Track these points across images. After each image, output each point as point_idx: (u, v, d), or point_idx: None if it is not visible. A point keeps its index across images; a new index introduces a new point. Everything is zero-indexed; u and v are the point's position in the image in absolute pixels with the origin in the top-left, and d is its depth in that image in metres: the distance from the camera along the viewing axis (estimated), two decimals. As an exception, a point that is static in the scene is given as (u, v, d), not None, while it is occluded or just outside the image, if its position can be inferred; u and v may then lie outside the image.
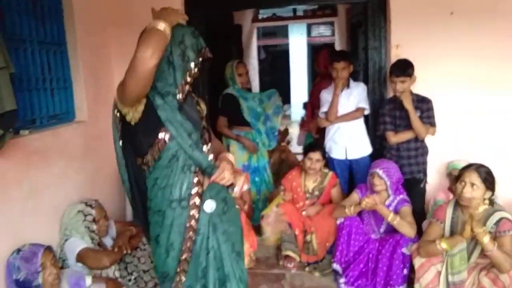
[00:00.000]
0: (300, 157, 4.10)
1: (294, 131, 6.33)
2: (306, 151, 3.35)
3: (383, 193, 2.88)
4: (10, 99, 1.97)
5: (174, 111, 1.64)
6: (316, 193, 3.31)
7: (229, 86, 3.69)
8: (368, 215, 3.00)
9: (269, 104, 3.76)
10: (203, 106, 1.83)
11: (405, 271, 2.70)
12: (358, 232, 2.93)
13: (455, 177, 2.58)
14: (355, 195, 3.04)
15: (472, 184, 2.34)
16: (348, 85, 3.36)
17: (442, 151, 3.25)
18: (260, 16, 7.97)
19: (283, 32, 11.56)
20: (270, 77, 12.53)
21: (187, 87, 1.67)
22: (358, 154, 3.38)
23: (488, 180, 2.37)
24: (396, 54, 3.25)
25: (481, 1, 3.14)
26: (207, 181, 1.73)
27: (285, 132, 4.98)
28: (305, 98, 8.72)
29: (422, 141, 3.13)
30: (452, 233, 2.42)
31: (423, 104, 3.06)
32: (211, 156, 1.73)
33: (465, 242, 2.29)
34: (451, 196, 2.92)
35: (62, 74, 2.93)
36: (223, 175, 1.69)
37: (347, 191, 3.35)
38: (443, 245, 2.32)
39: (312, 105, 4.36)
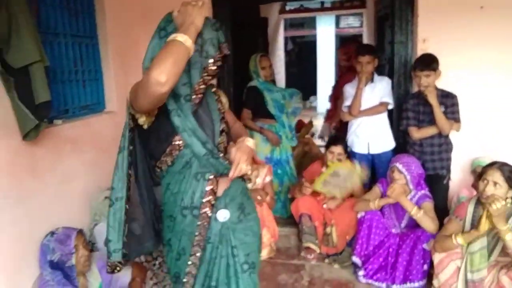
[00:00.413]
0: (323, 150, 4.12)
1: (320, 123, 6.32)
2: (328, 145, 3.37)
3: (405, 187, 2.89)
4: (45, 91, 2.09)
5: (187, 117, 1.50)
6: (338, 186, 3.34)
7: (253, 79, 3.74)
8: (389, 210, 3.01)
9: (290, 102, 3.80)
10: (224, 100, 1.76)
11: (425, 267, 2.71)
12: (379, 227, 2.94)
13: (478, 174, 2.56)
14: (377, 189, 3.06)
15: (495, 183, 2.32)
16: (372, 79, 3.34)
17: (466, 148, 3.21)
18: (287, 8, 7.94)
19: (311, 23, 11.47)
20: (297, 68, 12.50)
21: (202, 88, 1.52)
22: (380, 149, 3.38)
23: (511, 179, 2.35)
24: (422, 48, 3.21)
25: (513, -6, 3.06)
26: (222, 184, 1.63)
27: (310, 125, 4.99)
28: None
29: (447, 137, 3.09)
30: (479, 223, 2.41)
31: (448, 99, 3.02)
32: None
33: (484, 237, 2.28)
34: (474, 193, 2.89)
35: (93, 66, 3.05)
36: (240, 168, 1.55)
37: (368, 186, 3.36)
38: (459, 240, 2.32)
39: (335, 98, 4.37)
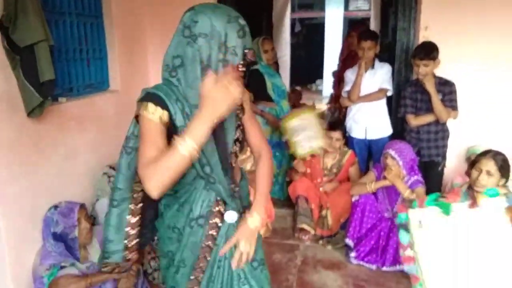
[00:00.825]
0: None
1: (324, 107, 6.36)
2: (326, 130, 3.43)
3: (401, 171, 2.95)
4: (49, 70, 2.16)
5: None
6: (334, 170, 3.41)
7: (257, 61, 3.78)
8: (382, 194, 3.08)
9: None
10: (246, 98, 1.50)
11: (414, 250, 2.80)
12: (372, 210, 3.03)
13: (471, 162, 2.61)
14: (372, 174, 3.13)
15: (488, 172, 2.38)
16: (373, 66, 3.37)
17: (463, 136, 3.25)
18: (294, -12, 7.90)
19: (320, 5, 11.34)
20: (304, 51, 12.43)
21: None
22: (377, 135, 3.43)
23: (504, 168, 2.40)
24: (424, 35, 3.23)
25: (516, -17, 3.05)
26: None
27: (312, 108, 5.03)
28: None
29: (443, 124, 3.12)
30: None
31: (446, 87, 3.05)
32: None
33: None
34: (468, 180, 2.94)
35: (98, 45, 3.10)
36: (239, 253, 1.44)
37: (364, 170, 3.43)
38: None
39: (338, 82, 4.41)
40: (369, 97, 3.37)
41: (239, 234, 1.45)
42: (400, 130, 3.40)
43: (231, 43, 1.25)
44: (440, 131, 3.13)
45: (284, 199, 3.76)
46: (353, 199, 3.09)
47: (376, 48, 3.33)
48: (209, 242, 1.45)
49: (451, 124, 3.16)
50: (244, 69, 1.30)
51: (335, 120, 4.13)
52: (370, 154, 3.55)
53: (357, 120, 3.46)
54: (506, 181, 2.45)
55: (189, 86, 1.30)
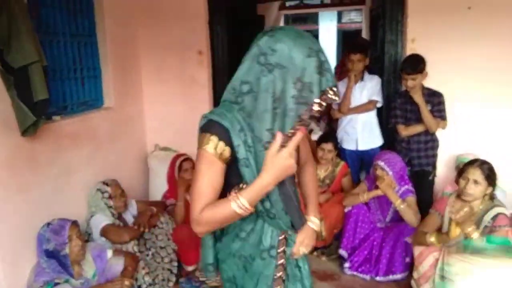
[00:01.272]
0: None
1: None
2: (319, 142, 3.48)
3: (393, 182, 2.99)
4: (43, 89, 2.21)
5: (257, 169, 1.24)
6: (327, 181, 3.45)
7: None
8: (374, 205, 3.12)
9: None
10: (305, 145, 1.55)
11: (407, 259, 2.83)
12: (365, 221, 3.06)
13: (458, 171, 2.65)
14: (364, 185, 3.17)
15: (475, 181, 2.42)
16: (362, 78, 3.43)
17: (451, 145, 3.30)
18: (287, 4, 8.00)
19: (314, 18, 11.52)
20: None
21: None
22: (368, 146, 3.48)
23: (491, 177, 2.45)
24: (411, 48, 3.30)
25: (499, -4, 3.13)
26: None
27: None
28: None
29: (433, 134, 3.18)
30: (450, 225, 2.52)
31: (434, 98, 3.11)
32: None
33: (460, 235, 2.38)
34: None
35: (92, 63, 3.17)
36: (302, 251, 1.49)
37: (357, 181, 3.47)
38: (432, 239, 2.45)
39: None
40: (359, 109, 3.43)
41: (302, 235, 1.48)
42: (390, 141, 3.44)
43: (307, 79, 1.15)
44: (429, 141, 3.19)
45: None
46: (346, 210, 3.12)
47: (365, 61, 3.39)
48: (281, 273, 1.44)
49: (440, 133, 3.22)
50: (320, 109, 1.19)
51: (328, 131, 4.18)
52: (361, 165, 3.59)
53: (348, 132, 3.51)
54: (493, 190, 2.49)
55: (256, 117, 1.21)
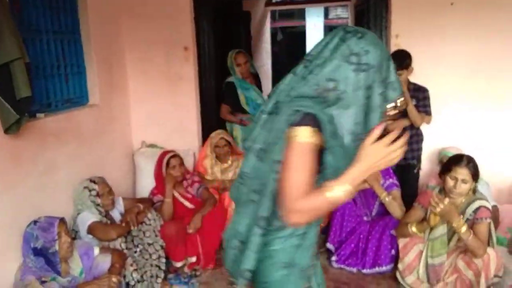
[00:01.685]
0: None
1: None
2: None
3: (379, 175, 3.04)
4: (25, 87, 2.19)
5: (344, 159, 1.27)
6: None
7: (232, 75, 3.85)
8: (360, 199, 3.16)
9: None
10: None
11: (393, 252, 2.87)
12: (351, 214, 3.10)
13: (443, 166, 2.67)
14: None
15: (463, 180, 2.44)
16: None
17: (435, 139, 3.36)
18: (273, 0, 8.02)
19: (301, 14, 11.54)
20: (287, 59, 12.57)
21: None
22: (354, 140, 3.50)
23: (476, 174, 2.48)
24: (395, 43, 3.35)
25: (481, -9, 3.19)
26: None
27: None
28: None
29: (418, 128, 3.23)
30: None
31: (419, 93, 3.15)
32: None
33: (445, 225, 2.42)
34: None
35: (76, 61, 3.14)
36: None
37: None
38: (413, 228, 2.49)
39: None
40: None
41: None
42: (376, 135, 3.47)
43: (391, 79, 1.30)
44: (414, 135, 3.23)
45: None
46: (332, 204, 3.15)
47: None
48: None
49: (424, 127, 3.26)
50: (396, 112, 1.30)
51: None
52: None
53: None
54: (476, 184, 2.53)
55: (343, 111, 1.26)
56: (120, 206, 2.98)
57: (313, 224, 1.40)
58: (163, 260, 2.86)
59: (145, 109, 3.82)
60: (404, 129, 3.16)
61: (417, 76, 3.19)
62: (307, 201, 1.19)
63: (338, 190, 1.17)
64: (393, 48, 3.28)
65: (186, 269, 3.05)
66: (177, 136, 3.82)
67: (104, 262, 2.44)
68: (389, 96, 1.28)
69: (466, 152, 2.87)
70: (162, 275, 2.82)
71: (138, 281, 2.64)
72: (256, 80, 4.09)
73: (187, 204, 3.25)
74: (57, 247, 2.28)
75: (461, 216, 2.37)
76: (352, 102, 1.25)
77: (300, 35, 11.79)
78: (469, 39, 3.24)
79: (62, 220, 2.37)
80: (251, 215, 1.36)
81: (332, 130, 1.26)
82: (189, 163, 3.68)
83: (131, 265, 2.63)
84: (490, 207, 2.46)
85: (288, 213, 1.21)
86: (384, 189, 2.96)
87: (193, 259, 3.06)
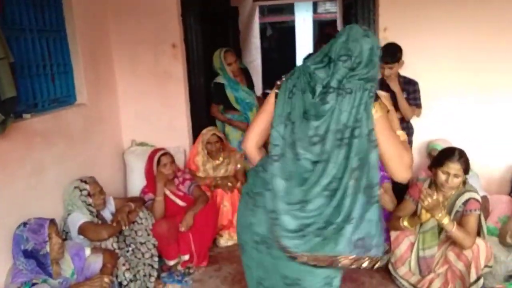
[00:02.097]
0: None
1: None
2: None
3: None
4: (10, 87, 2.15)
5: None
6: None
7: (219, 75, 3.82)
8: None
9: None
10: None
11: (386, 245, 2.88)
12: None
13: (434, 160, 2.68)
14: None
15: (455, 175, 2.45)
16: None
17: (425, 132, 3.37)
18: (262, -5, 8.00)
19: (290, 9, 11.51)
20: (277, 54, 12.56)
21: None
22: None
23: (467, 167, 2.49)
24: (384, 37, 3.33)
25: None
26: None
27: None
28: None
29: (408, 121, 3.24)
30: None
31: (410, 86, 3.16)
32: None
33: (435, 220, 2.43)
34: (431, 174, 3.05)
35: (62, 59, 3.09)
36: None
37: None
38: (405, 223, 2.50)
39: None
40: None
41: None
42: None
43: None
44: (405, 128, 3.23)
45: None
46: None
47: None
48: None
49: (413, 120, 3.28)
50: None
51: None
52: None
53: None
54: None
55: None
56: (111, 205, 2.96)
57: None
58: (156, 258, 2.85)
59: (134, 107, 3.78)
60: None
61: (405, 69, 3.20)
62: (407, 150, 1.62)
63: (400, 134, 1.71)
64: (381, 42, 3.27)
65: (179, 267, 3.04)
66: (167, 134, 3.79)
67: (96, 262, 2.42)
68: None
69: (455, 144, 2.89)
70: (155, 274, 2.81)
71: (131, 281, 2.62)
72: (246, 75, 4.07)
73: (179, 202, 3.23)
74: (48, 249, 2.25)
75: (444, 209, 2.38)
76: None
77: (289, 30, 11.77)
78: (458, 32, 3.25)
79: (52, 221, 2.34)
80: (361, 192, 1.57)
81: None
82: (180, 161, 3.66)
83: (124, 264, 2.61)
84: (479, 199, 2.47)
85: (407, 168, 1.59)
86: (376, 182, 2.96)
87: (186, 257, 3.05)
